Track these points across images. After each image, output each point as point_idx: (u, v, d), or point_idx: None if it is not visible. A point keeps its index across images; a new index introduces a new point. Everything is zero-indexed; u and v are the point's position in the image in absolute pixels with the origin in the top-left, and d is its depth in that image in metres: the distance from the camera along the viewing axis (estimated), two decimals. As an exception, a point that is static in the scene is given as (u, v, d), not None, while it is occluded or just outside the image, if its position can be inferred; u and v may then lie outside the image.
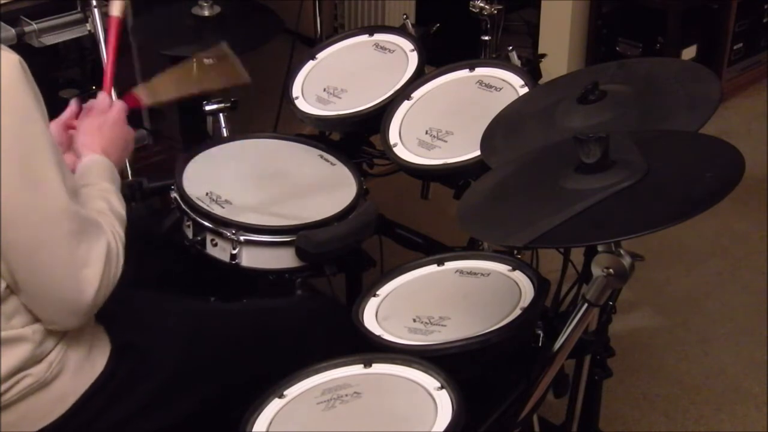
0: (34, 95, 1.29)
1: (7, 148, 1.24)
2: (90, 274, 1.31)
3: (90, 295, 1.32)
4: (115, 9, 1.79)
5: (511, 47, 2.17)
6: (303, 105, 2.14)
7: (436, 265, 1.81)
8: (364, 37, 2.27)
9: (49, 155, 1.29)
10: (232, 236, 1.79)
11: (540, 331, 1.64)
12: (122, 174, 1.97)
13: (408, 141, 1.97)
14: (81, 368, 1.40)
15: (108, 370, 1.42)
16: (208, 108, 2.22)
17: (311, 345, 1.64)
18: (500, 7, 2.27)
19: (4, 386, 1.34)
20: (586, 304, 1.45)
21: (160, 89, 1.83)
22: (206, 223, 1.83)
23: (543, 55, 2.51)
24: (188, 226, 1.87)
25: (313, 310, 1.75)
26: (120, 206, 1.47)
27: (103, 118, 1.63)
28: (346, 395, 1.45)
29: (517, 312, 1.61)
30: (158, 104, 1.88)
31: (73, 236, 1.30)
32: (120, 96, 1.74)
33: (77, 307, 1.32)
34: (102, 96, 1.67)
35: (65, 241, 1.29)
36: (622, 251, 1.35)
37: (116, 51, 1.77)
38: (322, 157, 2.06)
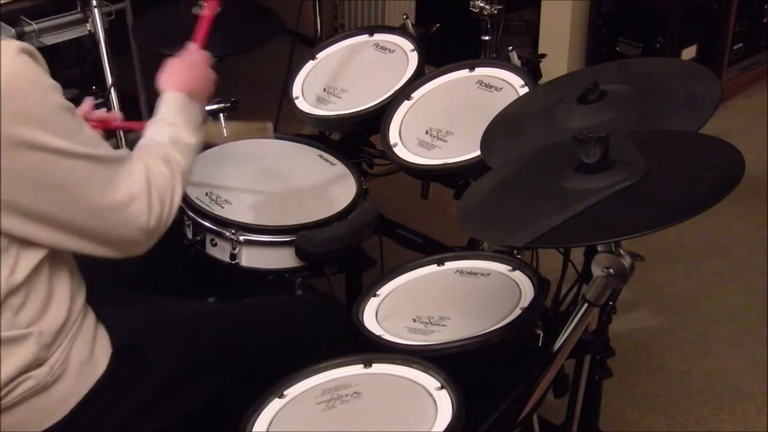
0: (41, 70, 1.29)
1: (31, 118, 1.25)
2: (137, 208, 1.36)
3: (142, 224, 1.37)
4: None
5: (511, 47, 2.17)
6: (303, 105, 2.15)
7: (436, 265, 1.81)
8: (364, 37, 2.27)
9: (64, 121, 1.30)
10: (232, 236, 1.79)
11: (540, 331, 1.64)
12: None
13: (408, 141, 1.97)
14: (83, 370, 1.40)
15: (109, 371, 1.43)
16: (208, 108, 2.22)
17: (311, 345, 1.64)
18: (500, 7, 2.27)
19: (5, 389, 1.34)
20: (586, 304, 1.45)
21: None
22: (206, 223, 1.83)
23: (543, 55, 2.51)
24: (188, 226, 1.87)
25: (313, 310, 1.75)
26: (189, 136, 1.53)
27: (186, 58, 1.70)
28: (346, 395, 1.45)
29: (517, 312, 1.61)
30: None
31: (107, 182, 1.33)
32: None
33: (139, 236, 1.37)
34: (192, 45, 1.76)
35: (102, 189, 1.32)
36: (622, 251, 1.35)
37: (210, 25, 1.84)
38: (321, 157, 2.06)
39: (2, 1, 2.50)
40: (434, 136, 1.96)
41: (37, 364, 1.36)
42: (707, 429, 2.28)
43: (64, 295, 1.38)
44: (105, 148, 1.36)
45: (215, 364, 1.56)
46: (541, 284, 1.66)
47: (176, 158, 1.47)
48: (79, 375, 1.40)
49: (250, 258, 1.82)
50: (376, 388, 1.47)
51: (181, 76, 1.65)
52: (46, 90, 1.28)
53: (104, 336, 1.45)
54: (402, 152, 1.96)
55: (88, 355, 1.41)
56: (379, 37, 2.26)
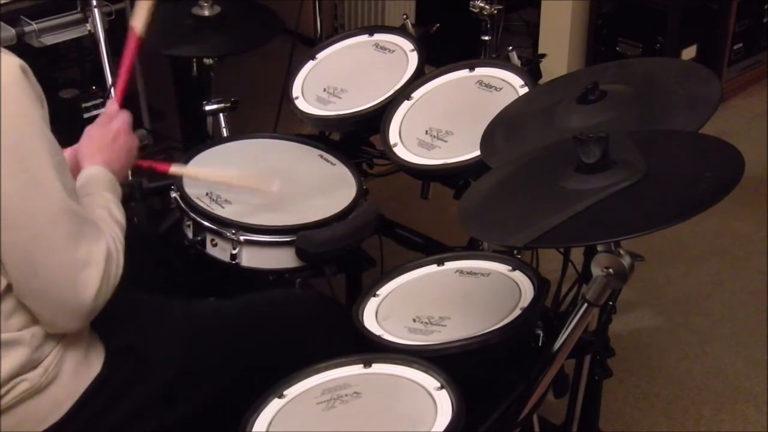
0: (34, 97, 1.30)
1: (5, 150, 1.24)
2: (90, 275, 1.32)
3: (90, 296, 1.32)
4: (138, 23, 1.81)
5: (511, 47, 2.17)
6: (303, 105, 2.14)
7: (436, 265, 1.81)
8: (364, 37, 2.27)
9: (48, 157, 1.29)
10: (232, 236, 1.79)
11: (540, 331, 1.64)
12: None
13: (408, 141, 1.97)
14: (77, 372, 1.40)
15: (104, 372, 1.43)
16: (208, 108, 2.22)
17: (311, 345, 1.64)
18: (500, 7, 2.28)
19: (1, 391, 1.34)
20: (586, 304, 1.45)
21: (192, 173, 1.90)
22: (206, 223, 1.83)
23: (543, 55, 2.51)
24: (188, 226, 1.87)
25: (313, 310, 1.75)
26: (120, 215, 1.47)
27: (107, 128, 1.64)
28: (346, 395, 1.45)
29: (517, 312, 1.61)
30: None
31: (71, 237, 1.30)
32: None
33: (77, 308, 1.32)
34: (111, 104, 1.70)
35: (63, 242, 1.29)
36: (622, 251, 1.35)
37: (132, 63, 1.79)
38: (322, 157, 2.06)
39: (2, 1, 2.49)
40: (434, 136, 1.96)
41: (31, 366, 1.36)
42: (707, 429, 2.28)
43: None
44: (77, 201, 1.35)
45: (215, 364, 1.56)
46: (541, 284, 1.66)
47: (120, 238, 1.41)
48: (74, 377, 1.40)
49: (251, 258, 1.82)
50: (376, 388, 1.47)
51: (104, 150, 1.59)
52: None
53: (99, 338, 1.45)
54: (402, 152, 1.96)
55: (82, 357, 1.41)
56: (379, 37, 2.25)
